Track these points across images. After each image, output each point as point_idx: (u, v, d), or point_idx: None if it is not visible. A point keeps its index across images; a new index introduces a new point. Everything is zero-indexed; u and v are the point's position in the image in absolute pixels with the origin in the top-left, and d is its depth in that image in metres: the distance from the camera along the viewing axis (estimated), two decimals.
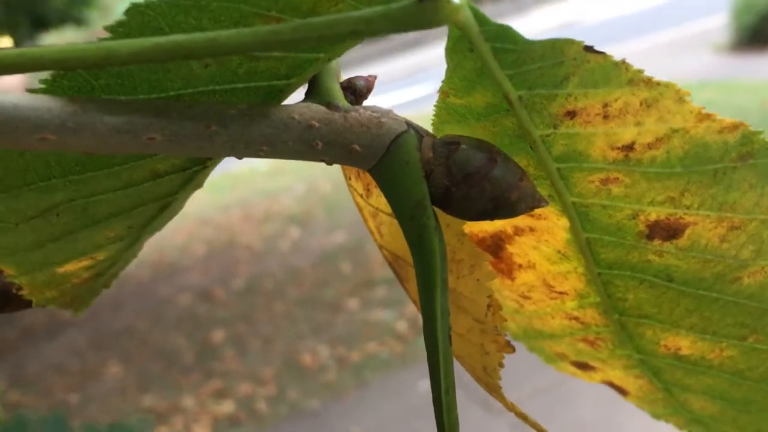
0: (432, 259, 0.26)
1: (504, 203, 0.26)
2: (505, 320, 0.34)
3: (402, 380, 2.88)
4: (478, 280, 0.31)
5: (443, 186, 0.26)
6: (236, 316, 3.85)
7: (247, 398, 3.09)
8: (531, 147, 0.29)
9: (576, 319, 0.36)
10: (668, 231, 0.30)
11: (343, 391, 2.97)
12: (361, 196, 0.36)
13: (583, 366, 0.39)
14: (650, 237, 0.31)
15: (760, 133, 0.27)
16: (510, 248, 0.35)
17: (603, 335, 0.36)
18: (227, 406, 3.07)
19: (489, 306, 0.30)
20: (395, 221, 0.35)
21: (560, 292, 0.35)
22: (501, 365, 0.32)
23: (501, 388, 0.33)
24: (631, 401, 0.41)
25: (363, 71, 0.34)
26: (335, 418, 2.81)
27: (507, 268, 0.35)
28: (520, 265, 0.35)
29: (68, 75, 0.25)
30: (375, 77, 0.31)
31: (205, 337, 3.70)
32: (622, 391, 0.40)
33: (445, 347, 0.26)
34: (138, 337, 3.87)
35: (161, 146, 0.24)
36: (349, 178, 0.37)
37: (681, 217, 0.30)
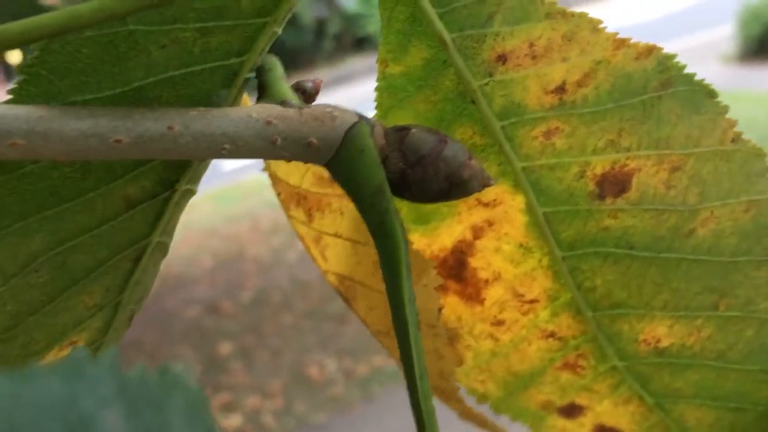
0: (396, 242, 0.26)
1: (458, 181, 0.27)
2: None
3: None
4: (425, 285, 0.31)
5: (399, 170, 0.27)
6: (244, 329, 3.84)
7: (254, 411, 3.09)
8: (473, 101, 0.30)
9: (552, 335, 0.35)
10: (616, 184, 0.31)
11: (350, 404, 2.96)
12: (303, 223, 0.37)
13: (570, 411, 0.38)
14: (601, 196, 0.31)
15: (673, 56, 0.29)
16: (473, 262, 0.35)
17: (582, 349, 0.36)
18: (235, 420, 3.06)
19: (440, 310, 0.31)
20: (339, 241, 0.36)
21: (531, 301, 0.35)
22: (458, 365, 0.32)
23: (458, 390, 0.33)
24: None
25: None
26: (342, 431, 2.80)
27: (474, 291, 0.35)
28: (486, 281, 0.35)
29: (33, 80, 0.25)
30: (321, 80, 0.32)
31: (213, 350, 3.70)
32: None
33: (415, 333, 0.26)
34: (145, 350, 3.87)
35: (128, 149, 0.24)
36: (289, 209, 0.37)
37: (624, 164, 0.31)
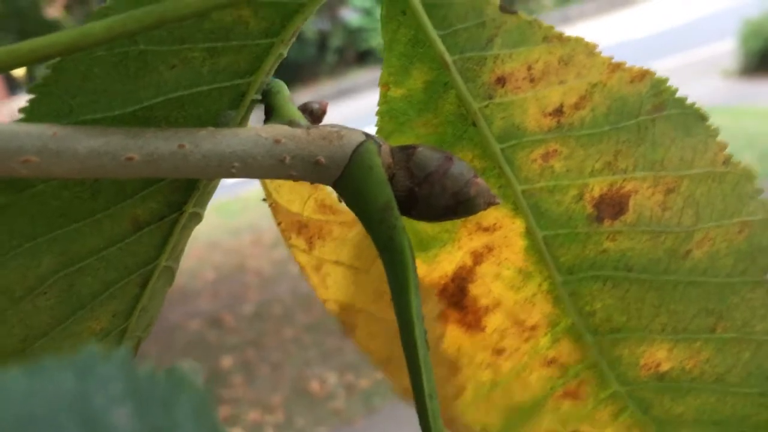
0: (404, 258, 0.27)
1: (464, 198, 0.28)
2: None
3: (410, 408, 2.85)
4: (425, 314, 0.32)
5: (406, 188, 0.28)
6: (245, 342, 3.83)
7: (255, 425, 3.07)
8: (474, 123, 0.31)
9: (553, 362, 0.36)
10: (614, 207, 0.31)
11: (351, 418, 2.95)
12: (304, 251, 0.37)
13: None
14: (600, 218, 0.32)
15: (665, 80, 0.30)
16: (473, 289, 0.35)
17: (583, 376, 0.36)
18: None
19: (440, 337, 0.31)
20: (340, 268, 0.36)
21: (532, 327, 0.35)
22: (458, 396, 0.32)
23: (459, 417, 0.33)
24: None
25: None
26: None
27: (474, 319, 0.35)
28: (487, 308, 0.35)
29: (45, 99, 0.26)
30: (327, 103, 0.32)
31: (215, 363, 3.69)
32: None
33: (424, 351, 0.26)
34: (148, 363, 3.86)
35: (139, 167, 0.25)
36: (290, 238, 0.37)
37: (621, 186, 0.31)
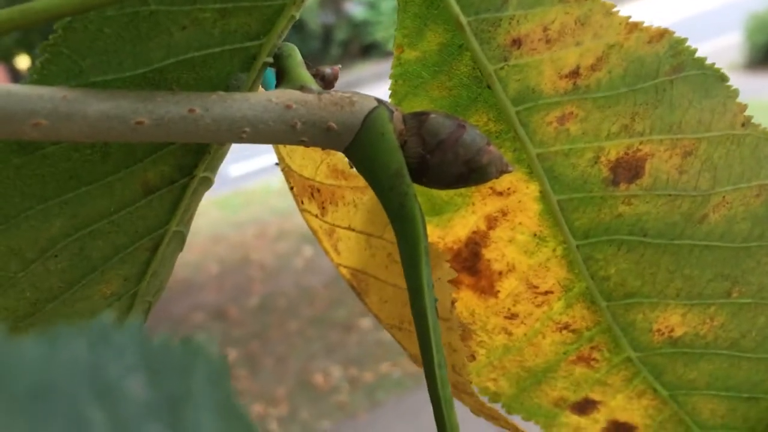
0: (415, 225, 0.26)
1: (476, 166, 0.27)
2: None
3: (415, 401, 2.86)
4: (439, 278, 0.31)
5: (418, 155, 0.27)
6: (249, 335, 3.84)
7: (259, 418, 3.08)
8: (488, 86, 0.31)
9: (566, 327, 0.35)
10: (630, 170, 0.31)
11: (355, 411, 2.95)
12: (316, 216, 0.37)
13: (584, 407, 0.38)
14: (615, 182, 0.31)
15: (684, 40, 0.29)
16: (486, 253, 0.35)
17: (596, 341, 0.36)
18: None
19: (453, 303, 0.30)
20: (352, 234, 0.36)
21: (545, 292, 0.35)
22: (470, 361, 0.32)
23: (471, 383, 0.33)
24: None
25: None
26: None
27: (488, 283, 0.35)
28: (500, 273, 0.35)
29: (55, 59, 0.25)
30: (339, 67, 0.32)
31: None
32: (628, 429, 0.39)
33: (434, 320, 0.26)
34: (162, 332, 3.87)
35: (149, 131, 0.25)
36: (302, 203, 0.37)
37: (638, 149, 0.31)
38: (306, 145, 0.28)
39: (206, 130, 0.26)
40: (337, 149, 0.28)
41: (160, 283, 0.35)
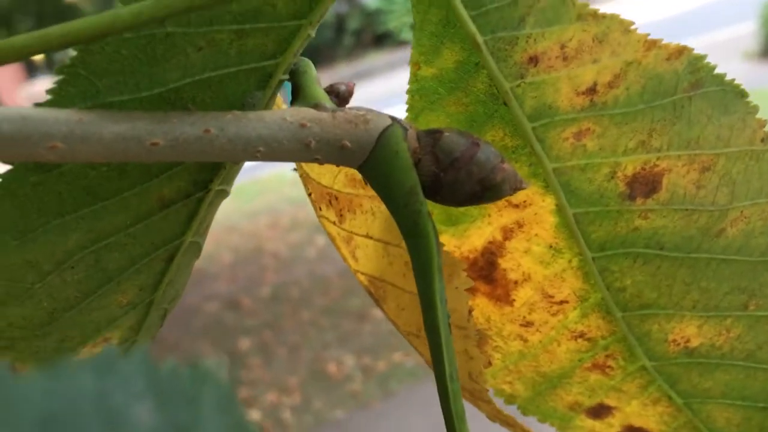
0: (428, 242, 0.26)
1: (490, 184, 0.27)
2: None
3: (428, 391, 2.87)
4: (456, 287, 0.31)
5: (432, 173, 0.28)
6: (263, 324, 3.86)
7: (272, 407, 3.10)
8: (505, 103, 0.31)
9: (582, 336, 0.35)
10: (646, 185, 0.31)
11: (368, 401, 2.96)
12: (334, 223, 0.37)
13: (598, 412, 0.38)
14: (632, 196, 0.31)
15: (703, 57, 0.29)
16: (502, 263, 0.35)
17: (611, 350, 0.36)
18: (254, 415, 3.07)
19: (470, 312, 0.31)
20: (370, 242, 0.36)
21: (560, 302, 0.35)
22: (486, 367, 0.32)
23: (487, 391, 0.33)
24: None
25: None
26: (360, 428, 2.81)
27: (503, 292, 0.35)
28: (516, 282, 0.35)
29: (73, 80, 0.26)
30: (354, 84, 0.32)
31: (232, 346, 3.71)
32: None
33: (446, 333, 0.26)
34: (166, 345, 3.90)
35: (164, 152, 0.25)
36: (320, 209, 0.38)
37: (655, 164, 0.31)
38: (320, 162, 0.28)
39: (221, 150, 0.26)
40: (352, 166, 0.28)
41: (176, 290, 0.36)
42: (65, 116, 0.23)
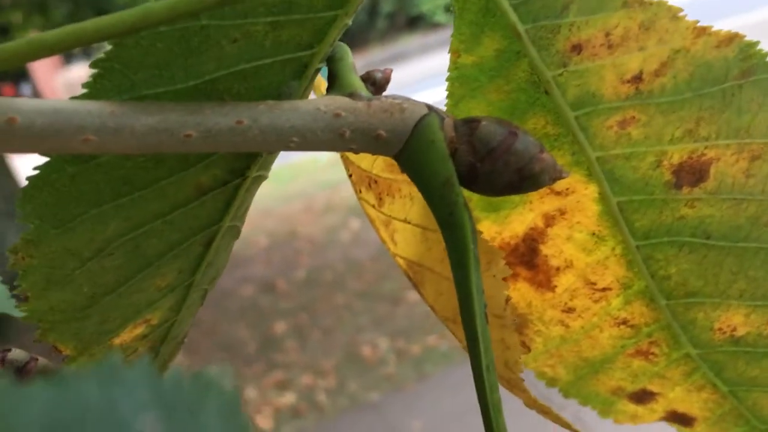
0: (464, 234, 0.26)
1: (528, 174, 0.27)
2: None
3: (463, 374, 2.87)
4: (494, 276, 0.31)
5: (468, 163, 0.27)
6: (297, 308, 3.89)
7: (308, 390, 3.12)
8: (546, 92, 0.30)
9: (625, 322, 0.35)
10: (693, 174, 0.30)
11: (403, 384, 2.97)
12: (373, 206, 0.37)
13: (641, 397, 0.38)
14: (678, 185, 0.31)
15: (756, 44, 0.28)
16: (544, 249, 0.35)
17: (655, 337, 0.35)
18: (289, 398, 3.10)
19: (507, 300, 0.30)
20: (408, 226, 0.36)
21: (603, 289, 0.35)
22: (522, 359, 0.32)
23: (523, 381, 0.33)
24: (699, 431, 0.39)
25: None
26: (395, 411, 2.82)
27: (545, 278, 0.35)
28: (558, 268, 0.35)
29: (107, 74, 0.25)
30: (391, 70, 0.32)
31: (268, 329, 3.75)
32: (687, 420, 0.38)
33: (482, 324, 0.26)
34: (203, 328, 3.95)
35: (197, 143, 0.25)
36: (360, 191, 0.37)
37: (702, 153, 0.30)
38: (355, 152, 0.28)
39: (254, 141, 0.26)
40: (387, 155, 0.28)
41: (216, 271, 0.36)
42: (98, 109, 0.23)
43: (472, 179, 0.27)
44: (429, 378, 2.96)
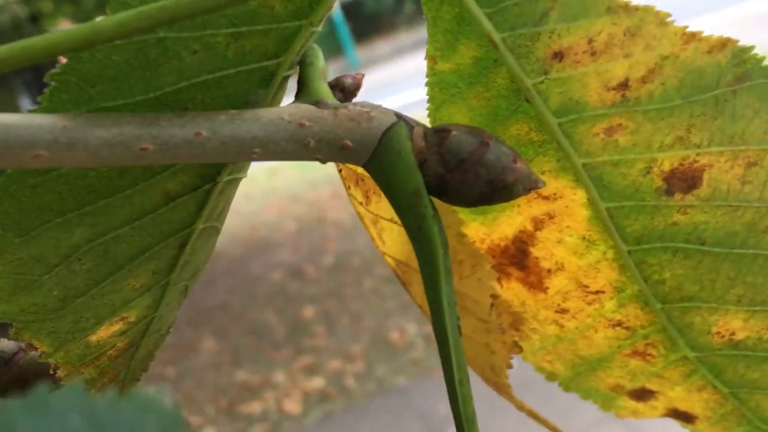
0: (433, 247, 0.25)
1: (500, 186, 0.26)
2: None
3: None
4: (480, 279, 0.31)
5: (438, 174, 0.26)
6: (326, 293, 3.90)
7: (336, 374, 3.14)
8: (527, 100, 0.29)
9: (619, 324, 0.34)
10: (686, 181, 0.30)
11: (430, 368, 2.98)
12: (361, 203, 0.37)
13: (641, 395, 0.37)
14: (669, 192, 0.30)
15: (750, 48, 0.27)
16: (534, 251, 0.34)
17: (652, 339, 0.34)
18: (317, 382, 3.12)
19: (492, 305, 0.30)
20: (395, 226, 0.35)
21: (596, 292, 0.34)
22: (509, 365, 0.32)
23: (510, 387, 0.33)
24: (701, 428, 0.38)
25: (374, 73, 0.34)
26: (423, 395, 2.82)
27: (536, 279, 0.34)
28: (549, 270, 0.34)
29: (64, 88, 0.25)
30: (363, 75, 0.31)
31: (296, 313, 3.77)
32: (688, 418, 0.37)
33: (455, 338, 0.26)
34: (231, 313, 3.98)
35: (154, 156, 0.24)
36: (349, 188, 0.37)
37: (695, 160, 0.29)
38: (322, 161, 0.27)
39: (215, 153, 0.25)
40: (355, 164, 0.27)
41: (196, 267, 0.35)
42: (50, 123, 0.23)
43: (442, 190, 0.27)
44: None
